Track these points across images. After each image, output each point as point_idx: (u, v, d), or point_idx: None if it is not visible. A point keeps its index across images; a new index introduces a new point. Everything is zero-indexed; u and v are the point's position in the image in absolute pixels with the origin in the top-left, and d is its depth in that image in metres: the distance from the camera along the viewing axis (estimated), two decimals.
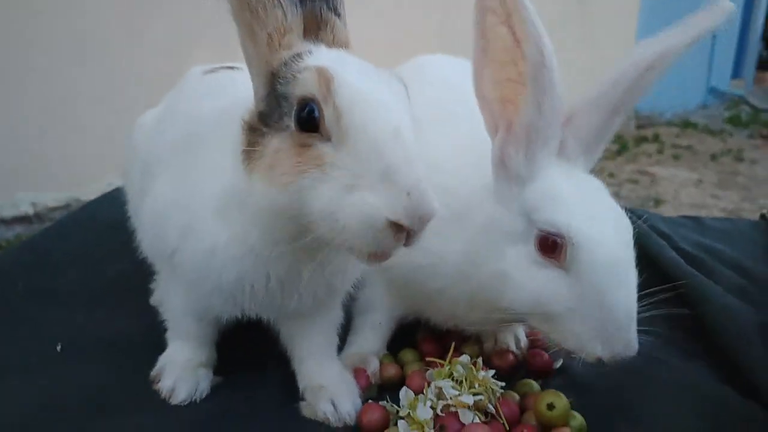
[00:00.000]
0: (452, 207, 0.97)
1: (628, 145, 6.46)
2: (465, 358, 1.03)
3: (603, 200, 0.94)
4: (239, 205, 0.84)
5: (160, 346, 1.11)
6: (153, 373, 1.06)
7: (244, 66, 0.88)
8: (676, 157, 6.45)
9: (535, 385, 1.05)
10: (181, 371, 1.04)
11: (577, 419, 0.95)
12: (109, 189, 1.90)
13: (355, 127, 0.72)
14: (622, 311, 0.87)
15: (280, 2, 0.78)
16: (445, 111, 1.13)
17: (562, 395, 0.94)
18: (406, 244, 0.74)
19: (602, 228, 0.89)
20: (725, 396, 0.99)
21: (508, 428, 0.94)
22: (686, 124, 7.91)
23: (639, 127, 7.29)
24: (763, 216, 1.72)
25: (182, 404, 1.01)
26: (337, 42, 0.87)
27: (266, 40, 0.79)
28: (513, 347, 1.16)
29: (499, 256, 0.93)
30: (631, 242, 0.91)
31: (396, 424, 0.94)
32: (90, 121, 3.76)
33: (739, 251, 1.45)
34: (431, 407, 0.94)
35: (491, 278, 0.94)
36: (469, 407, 0.93)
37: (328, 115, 0.73)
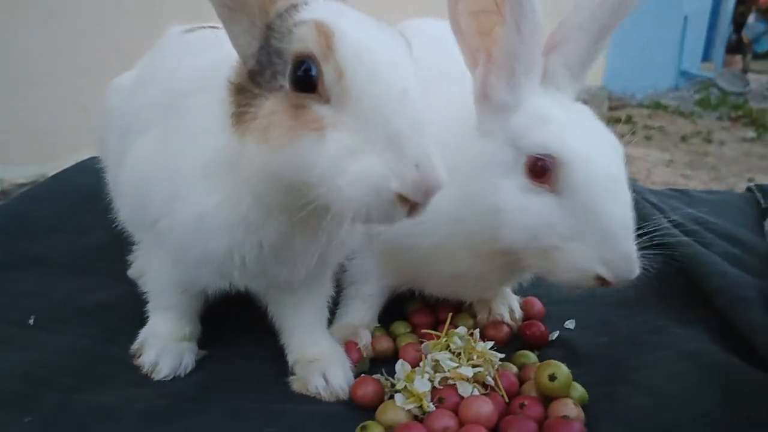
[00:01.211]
0: (449, 161, 0.94)
1: None
2: (462, 329, 0.99)
3: (592, 123, 0.92)
4: (230, 169, 0.79)
5: (141, 319, 1.05)
6: (134, 346, 1.01)
7: None
8: (648, 138, 6.55)
9: (532, 356, 1.03)
10: (164, 344, 0.99)
11: (578, 390, 0.92)
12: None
13: (359, 87, 0.67)
14: (619, 225, 0.84)
15: None
16: (434, 71, 1.08)
17: (563, 366, 0.91)
18: (409, 215, 0.70)
19: (592, 147, 0.87)
20: (727, 362, 0.98)
21: (508, 400, 0.91)
22: (658, 106, 8.02)
23: (612, 108, 7.37)
24: (749, 188, 1.72)
25: (165, 379, 0.96)
26: None
27: None
28: (507, 318, 1.14)
29: (491, 192, 0.91)
30: (622, 162, 0.89)
31: (391, 398, 0.91)
32: (61, 93, 3.60)
33: (729, 222, 1.45)
34: (429, 380, 0.91)
35: (486, 216, 0.90)
36: (467, 379, 0.90)
37: (327, 74, 0.67)
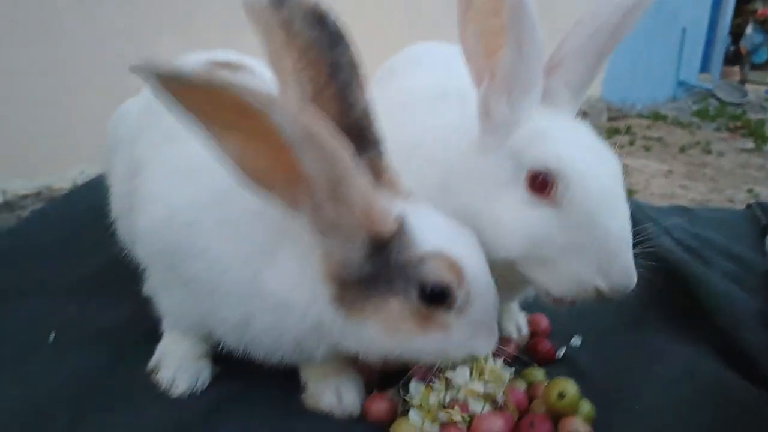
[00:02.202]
0: (437, 177, 0.99)
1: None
2: None
3: (590, 139, 0.95)
4: (312, 327, 0.87)
5: (155, 336, 1.07)
6: (151, 364, 1.03)
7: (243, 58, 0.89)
8: (647, 149, 6.57)
9: (540, 373, 1.05)
10: (181, 362, 1.01)
11: (586, 407, 0.94)
12: (81, 176, 1.83)
13: (477, 300, 0.86)
14: (617, 238, 0.86)
15: (362, 171, 0.80)
16: (437, 92, 1.14)
17: (572, 383, 0.93)
18: None
19: (591, 162, 0.89)
20: (728, 381, 1.00)
21: (517, 418, 0.93)
22: (656, 117, 8.06)
23: (611, 119, 7.40)
24: (749, 206, 1.75)
25: (182, 396, 0.98)
26: (393, 181, 0.91)
27: (362, 208, 0.80)
28: (514, 335, 1.16)
29: (491, 204, 0.93)
30: (620, 177, 0.92)
31: (404, 414, 0.92)
32: (62, 107, 3.62)
33: (729, 239, 1.47)
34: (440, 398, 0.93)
35: (485, 228, 0.92)
36: (479, 395, 0.92)
37: (460, 297, 0.84)
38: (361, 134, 0.86)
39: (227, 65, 1.08)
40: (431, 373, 0.97)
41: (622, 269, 0.86)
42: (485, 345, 0.89)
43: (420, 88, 1.16)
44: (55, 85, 3.60)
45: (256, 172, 0.79)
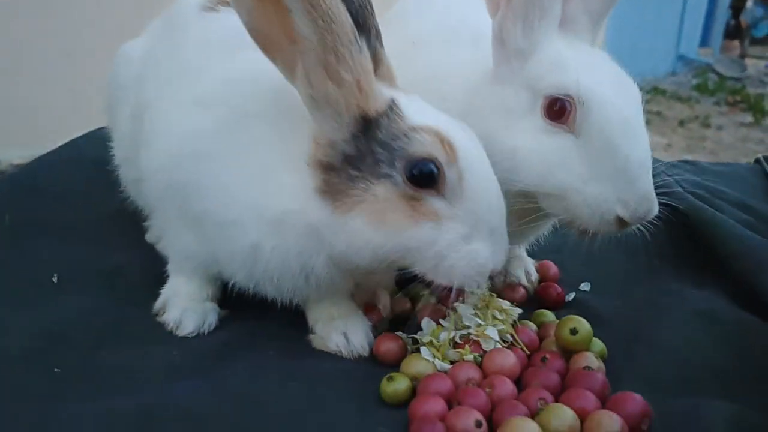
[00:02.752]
0: (451, 109, 0.95)
1: None
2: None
3: (610, 65, 0.93)
4: (308, 233, 0.84)
5: (161, 280, 1.05)
6: (157, 305, 1.01)
7: None
8: (646, 123, 6.50)
9: (551, 315, 1.04)
10: (188, 303, 0.99)
11: (598, 344, 0.93)
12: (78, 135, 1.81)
13: (473, 188, 0.81)
14: (638, 165, 0.85)
15: (363, 48, 0.78)
16: (447, 31, 1.11)
17: (583, 320, 0.92)
18: None
19: (611, 88, 0.87)
20: (743, 320, 0.99)
21: (528, 353, 0.92)
22: (656, 91, 8.02)
23: None
24: (758, 160, 1.73)
25: (189, 336, 0.96)
26: (389, 77, 0.89)
27: (355, 84, 0.78)
28: (524, 281, 1.15)
29: (507, 133, 0.91)
30: (640, 104, 0.90)
31: (415, 352, 0.91)
32: (55, 75, 3.57)
33: (739, 191, 1.45)
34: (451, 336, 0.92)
35: (502, 156, 0.90)
36: (489, 338, 0.91)
37: (450, 176, 0.79)
38: (360, 23, 0.82)
39: (226, 1, 1.06)
40: (439, 311, 0.96)
41: (643, 196, 0.84)
42: (487, 250, 0.81)
43: (432, 27, 1.14)
44: (49, 52, 3.55)
45: (262, 35, 0.79)
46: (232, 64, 0.87)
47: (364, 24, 0.83)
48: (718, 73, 9.05)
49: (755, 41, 10.50)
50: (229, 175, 0.87)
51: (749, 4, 10.27)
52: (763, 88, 8.57)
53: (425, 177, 0.79)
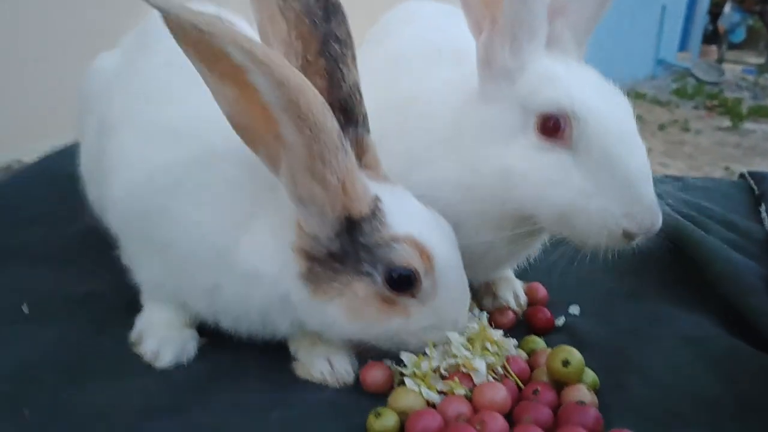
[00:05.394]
0: (438, 132, 0.96)
1: None
2: (476, 311, 0.98)
3: (600, 80, 0.92)
4: (278, 300, 0.86)
5: (135, 306, 1.01)
6: (133, 335, 0.97)
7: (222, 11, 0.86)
8: None
9: (541, 342, 1.01)
10: (165, 332, 0.95)
11: (590, 375, 0.91)
12: (52, 150, 1.76)
13: (445, 293, 0.86)
14: (639, 176, 0.84)
15: (349, 150, 0.79)
16: (431, 48, 1.10)
17: (575, 351, 0.90)
18: None
19: (604, 101, 0.87)
20: (731, 347, 0.98)
21: (522, 386, 0.90)
22: (636, 95, 8.11)
23: None
24: (742, 175, 1.74)
25: (168, 367, 0.92)
26: (374, 162, 0.90)
27: (340, 186, 0.79)
28: (513, 304, 1.12)
29: (500, 153, 0.89)
30: (632, 116, 0.90)
31: (401, 384, 0.88)
32: (31, 78, 3.48)
33: (724, 209, 1.45)
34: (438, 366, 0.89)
35: (496, 178, 0.89)
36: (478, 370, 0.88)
37: (426, 284, 0.84)
38: (348, 111, 0.85)
39: None
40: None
41: (648, 206, 0.83)
42: (443, 339, 0.89)
43: (414, 46, 1.12)
44: (25, 55, 3.46)
45: (245, 128, 0.78)
46: (208, 96, 0.84)
47: (351, 112, 0.85)
48: (696, 78, 9.18)
49: (732, 46, 10.67)
50: (198, 214, 0.86)
51: (726, 9, 10.42)
52: (740, 93, 8.72)
53: (403, 284, 0.83)
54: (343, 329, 0.85)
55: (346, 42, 0.86)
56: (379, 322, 0.84)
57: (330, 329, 0.86)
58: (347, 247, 0.82)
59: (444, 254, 0.85)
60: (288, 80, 0.70)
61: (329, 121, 0.74)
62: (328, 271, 0.83)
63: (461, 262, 0.89)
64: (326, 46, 0.84)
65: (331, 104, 0.78)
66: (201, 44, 0.70)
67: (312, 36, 0.83)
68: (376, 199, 0.83)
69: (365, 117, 0.88)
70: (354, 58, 0.87)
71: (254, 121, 0.76)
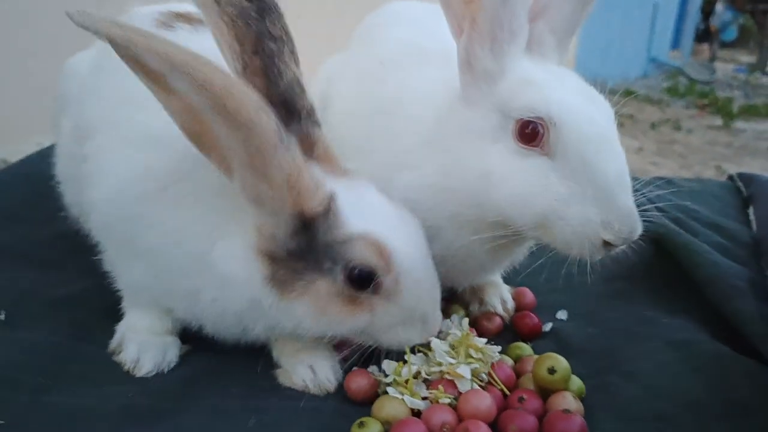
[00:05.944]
0: (422, 134, 0.95)
1: None
2: (457, 318, 0.97)
3: (579, 83, 0.91)
4: (250, 303, 0.86)
5: (114, 312, 1.00)
6: (113, 343, 0.96)
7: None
8: (619, 125, 6.58)
9: (527, 348, 1.01)
10: (146, 339, 0.94)
11: (576, 383, 0.91)
12: (38, 148, 1.74)
13: (409, 288, 0.85)
14: (617, 182, 0.83)
15: (292, 144, 0.77)
16: (416, 49, 1.09)
17: (561, 358, 0.89)
18: None
19: (582, 105, 0.86)
20: (716, 351, 0.97)
21: (508, 393, 0.89)
22: (628, 93, 8.07)
23: None
24: (730, 177, 1.73)
25: (148, 375, 0.91)
26: (327, 155, 0.89)
27: (286, 183, 0.78)
28: (500, 310, 1.12)
29: (479, 157, 0.89)
30: (613, 120, 0.89)
31: (385, 392, 0.88)
32: (14, 77, 3.45)
33: (712, 211, 1.45)
34: (418, 372, 0.89)
35: (475, 182, 0.88)
36: (463, 377, 0.87)
37: (387, 282, 0.83)
38: (289, 106, 0.84)
39: (185, 17, 1.01)
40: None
41: (626, 214, 0.82)
42: (416, 333, 0.88)
43: (398, 46, 1.11)
44: (7, 53, 3.42)
45: (194, 134, 0.78)
46: None
47: (293, 107, 0.84)
48: (687, 77, 9.21)
49: (724, 45, 10.72)
50: (179, 219, 0.85)
51: (718, 7, 10.46)
52: (731, 92, 8.75)
53: (363, 281, 0.83)
54: (311, 327, 0.85)
55: (282, 39, 0.85)
56: (345, 319, 0.84)
57: (299, 328, 0.85)
58: (305, 245, 0.82)
59: (406, 250, 0.85)
60: (211, 82, 0.69)
61: (263, 118, 0.72)
62: (291, 271, 0.82)
63: (428, 257, 0.88)
64: (261, 45, 0.83)
65: (271, 101, 0.79)
66: (129, 57, 0.70)
67: (246, 36, 0.83)
68: (331, 195, 0.82)
69: (310, 111, 0.87)
70: (293, 53, 0.87)
71: (202, 127, 0.75)
